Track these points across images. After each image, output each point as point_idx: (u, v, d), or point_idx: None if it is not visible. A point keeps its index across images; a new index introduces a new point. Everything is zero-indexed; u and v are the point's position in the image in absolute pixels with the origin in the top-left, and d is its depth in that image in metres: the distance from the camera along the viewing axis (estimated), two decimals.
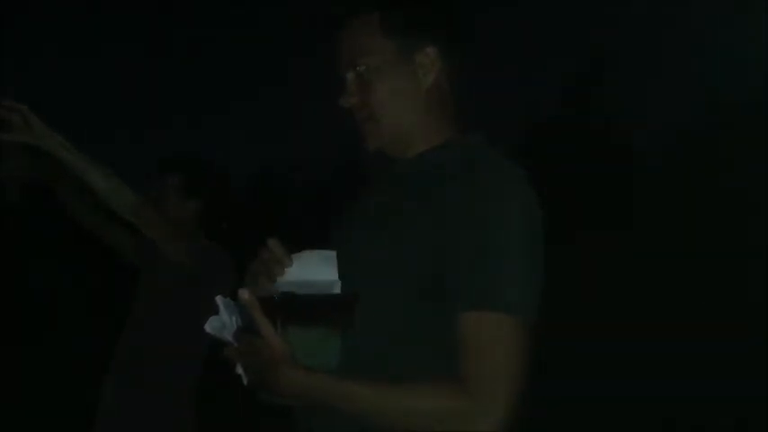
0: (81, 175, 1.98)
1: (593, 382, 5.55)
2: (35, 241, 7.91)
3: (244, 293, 1.16)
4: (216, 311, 1.21)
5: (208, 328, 1.21)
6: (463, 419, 1.14)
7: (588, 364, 5.87)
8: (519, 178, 1.25)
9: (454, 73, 1.35)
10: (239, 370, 1.22)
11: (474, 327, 1.16)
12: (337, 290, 1.22)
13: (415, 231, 1.22)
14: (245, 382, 1.22)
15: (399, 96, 1.32)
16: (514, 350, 1.16)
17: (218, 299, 1.21)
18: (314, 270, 1.24)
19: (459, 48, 1.36)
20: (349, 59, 1.34)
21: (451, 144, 1.34)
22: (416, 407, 1.16)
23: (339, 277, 1.27)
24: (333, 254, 1.24)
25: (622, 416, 5.11)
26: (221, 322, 1.21)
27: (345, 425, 1.20)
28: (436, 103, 1.34)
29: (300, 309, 1.19)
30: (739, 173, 6.83)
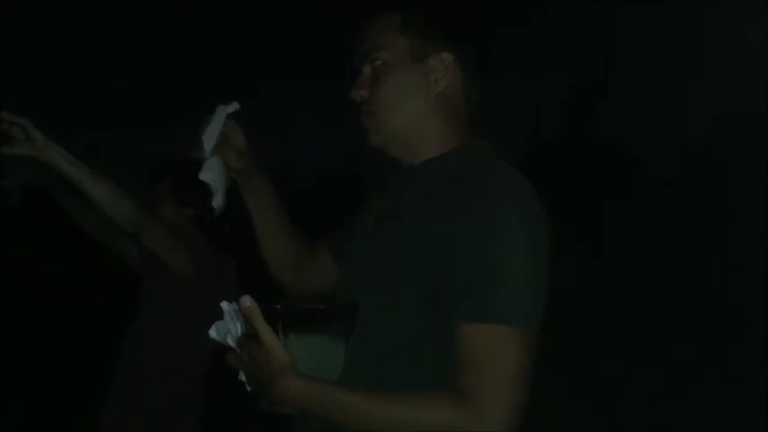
0: (82, 187, 1.98)
1: (593, 383, 5.55)
2: (35, 241, 7.91)
3: (246, 301, 1.15)
4: (221, 316, 1.21)
5: (212, 333, 1.20)
6: (464, 430, 1.14)
7: (590, 367, 5.86)
8: (522, 186, 1.24)
9: (471, 83, 1.35)
10: (242, 377, 1.22)
11: (474, 339, 1.16)
12: None
13: (418, 239, 1.22)
14: (248, 388, 1.22)
15: (406, 95, 1.33)
16: (515, 362, 1.15)
17: (224, 304, 1.21)
18: None
19: (479, 58, 1.35)
20: (366, 52, 1.35)
21: (457, 151, 1.33)
22: (416, 420, 1.15)
23: (346, 283, 1.29)
24: None
25: (622, 416, 5.10)
26: (226, 328, 1.20)
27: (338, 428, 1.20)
28: (446, 109, 1.33)
29: (302, 317, 1.18)
30: (743, 179, 6.82)
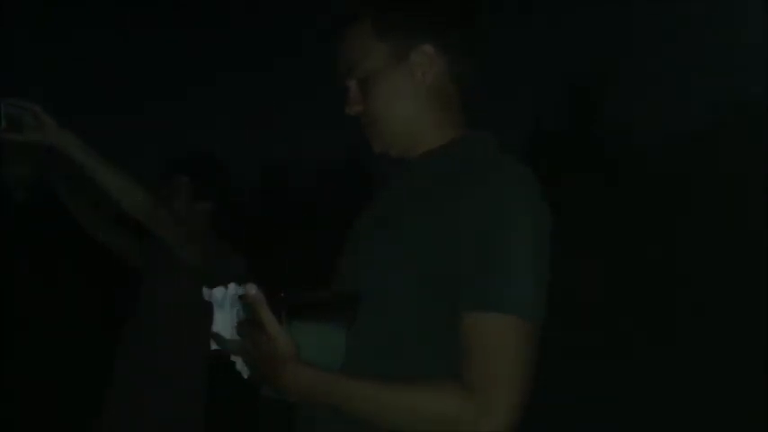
0: (94, 174, 1.95)
1: (594, 385, 5.56)
2: (35, 241, 7.92)
3: (251, 289, 1.15)
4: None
5: (206, 293, 1.21)
6: (467, 421, 1.13)
7: (589, 366, 5.87)
8: (524, 177, 1.24)
9: (460, 67, 1.33)
10: (239, 366, 1.22)
11: (478, 328, 1.15)
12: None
13: (421, 232, 1.22)
14: (245, 375, 1.22)
15: (398, 98, 1.32)
16: (519, 352, 1.15)
17: (230, 288, 1.21)
18: None
19: (463, 43, 1.33)
20: (347, 68, 1.34)
21: (457, 142, 1.33)
22: (420, 408, 1.15)
23: (349, 275, 1.29)
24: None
25: (622, 417, 5.11)
26: (224, 297, 1.21)
27: (347, 423, 1.19)
28: (439, 100, 1.33)
29: (305, 306, 1.18)
30: (743, 175, 6.82)
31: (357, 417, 1.17)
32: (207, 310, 1.24)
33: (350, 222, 1.44)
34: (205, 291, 1.22)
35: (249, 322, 1.18)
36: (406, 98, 1.32)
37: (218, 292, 1.21)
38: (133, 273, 2.71)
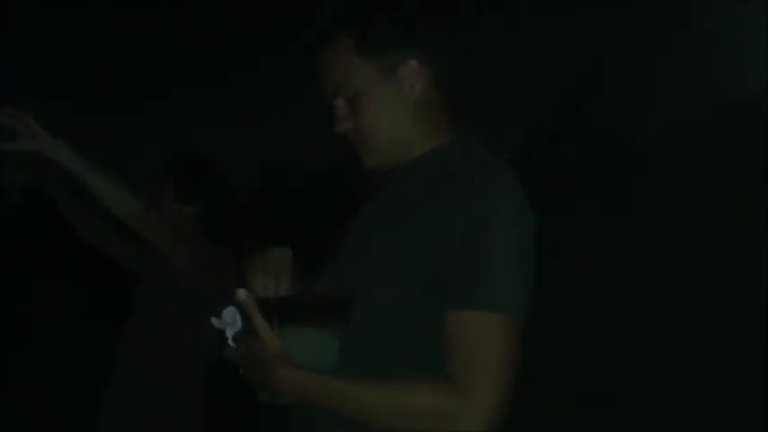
0: (86, 182, 1.96)
1: (590, 384, 5.55)
2: (35, 241, 7.92)
3: (241, 294, 1.17)
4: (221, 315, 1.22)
5: (215, 321, 1.21)
6: (451, 418, 1.15)
7: (586, 367, 5.87)
8: (507, 178, 1.26)
9: (446, 78, 1.36)
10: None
11: (460, 326, 1.17)
12: None
13: (417, 234, 1.23)
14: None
15: (388, 114, 1.33)
16: (501, 349, 1.17)
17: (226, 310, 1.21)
18: None
19: (446, 53, 1.35)
20: (333, 87, 1.35)
21: (446, 147, 1.35)
22: (407, 406, 1.16)
23: (345, 276, 1.28)
24: None
25: (622, 417, 5.11)
26: (226, 324, 1.21)
27: (344, 423, 1.21)
28: (427, 111, 1.35)
29: (297, 309, 1.19)
30: (743, 175, 6.82)
31: (351, 417, 1.19)
32: (207, 309, 1.25)
33: (349, 222, 1.44)
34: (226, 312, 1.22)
35: (244, 330, 1.19)
36: (396, 111, 1.34)
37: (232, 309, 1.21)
38: (132, 273, 2.71)
